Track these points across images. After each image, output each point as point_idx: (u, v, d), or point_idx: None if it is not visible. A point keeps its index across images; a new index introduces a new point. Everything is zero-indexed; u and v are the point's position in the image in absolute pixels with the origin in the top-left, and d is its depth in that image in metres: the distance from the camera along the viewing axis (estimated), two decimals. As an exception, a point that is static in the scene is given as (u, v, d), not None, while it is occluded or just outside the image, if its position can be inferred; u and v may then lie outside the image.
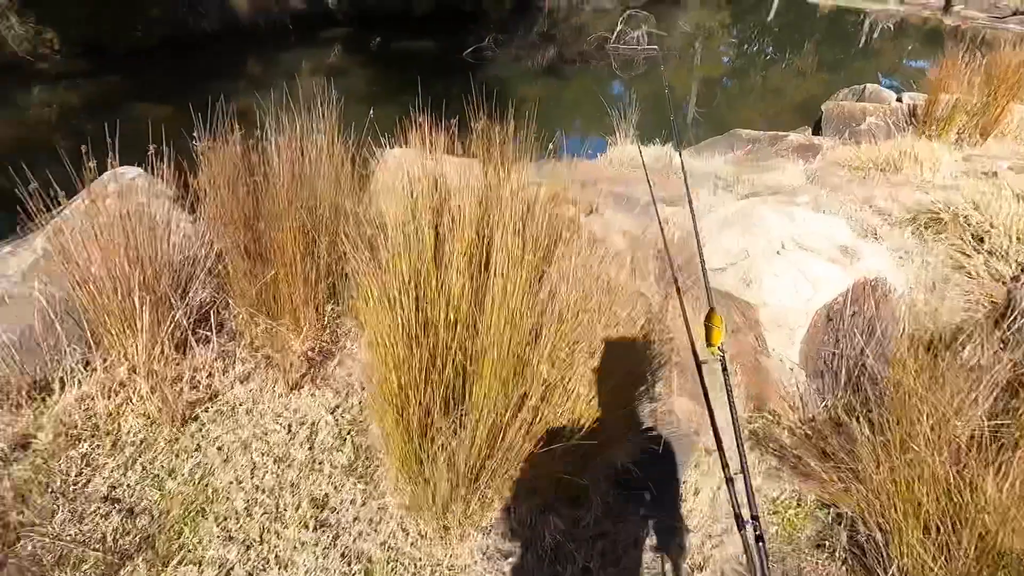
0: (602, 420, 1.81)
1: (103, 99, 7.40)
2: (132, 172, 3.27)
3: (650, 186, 2.66)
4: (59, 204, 2.38)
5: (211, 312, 2.20)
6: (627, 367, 2.09)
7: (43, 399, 2.03)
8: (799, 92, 11.66)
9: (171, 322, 2.09)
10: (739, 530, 1.02)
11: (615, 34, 12.13)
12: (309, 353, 2.21)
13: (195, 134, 2.17)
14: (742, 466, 1.08)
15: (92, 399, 1.93)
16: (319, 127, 2.47)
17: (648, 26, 12.50)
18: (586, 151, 5.85)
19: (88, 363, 2.15)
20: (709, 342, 1.30)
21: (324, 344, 2.27)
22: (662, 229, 2.41)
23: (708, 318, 1.31)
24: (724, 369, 1.26)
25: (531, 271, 1.79)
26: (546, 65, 11.29)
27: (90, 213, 2.63)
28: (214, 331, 2.21)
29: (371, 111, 2.65)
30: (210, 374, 2.08)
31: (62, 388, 2.05)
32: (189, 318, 2.16)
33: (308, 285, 2.18)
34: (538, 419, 1.63)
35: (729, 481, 1.13)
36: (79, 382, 2.07)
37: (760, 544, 0.97)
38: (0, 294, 2.40)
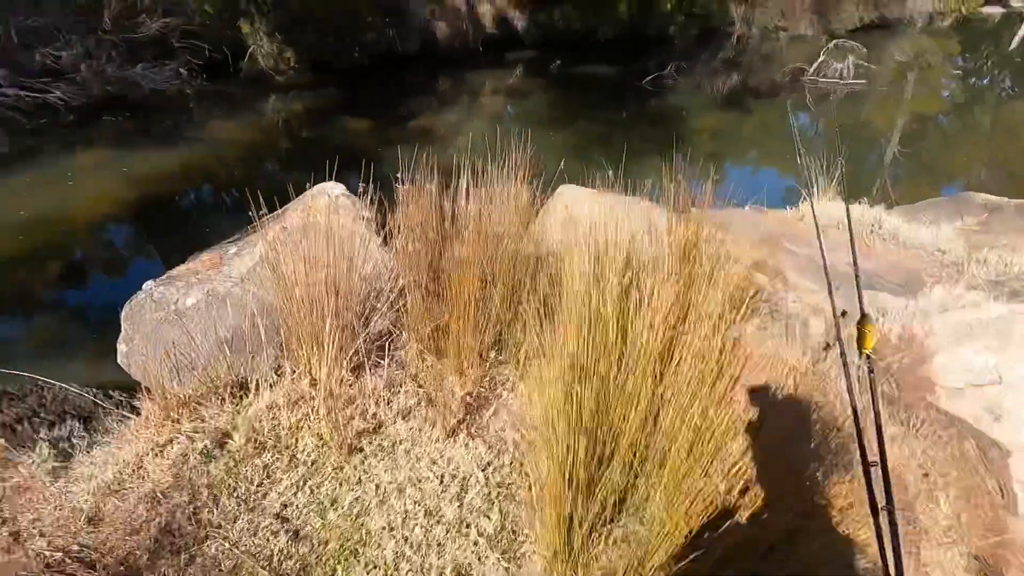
0: (782, 553, 1.53)
1: (320, 110, 8.49)
2: (338, 189, 3.61)
3: (823, 260, 2.25)
4: (278, 207, 2.70)
5: (386, 343, 2.31)
6: (817, 499, 1.77)
7: (241, 397, 2.27)
8: (1046, 139, 9.58)
9: (353, 349, 2.22)
10: (872, 517, 0.99)
11: (815, 65, 11.05)
12: (467, 398, 2.22)
13: (399, 176, 2.29)
14: (880, 455, 1.04)
15: (279, 409, 2.11)
16: (506, 173, 2.49)
17: (855, 57, 11.19)
18: (771, 196, 5.32)
19: (279, 368, 2.38)
20: (861, 347, 1.29)
21: (483, 391, 2.27)
22: (837, 324, 2.01)
23: (860, 323, 1.30)
24: (871, 371, 1.24)
25: (721, 370, 1.58)
26: (730, 96, 10.64)
27: (302, 228, 2.91)
28: (386, 361, 2.31)
29: (560, 164, 2.60)
30: (376, 402, 2.18)
31: (256, 391, 2.28)
32: (367, 345, 2.29)
33: (477, 331, 2.19)
34: (715, 540, 1.42)
35: (866, 468, 1.04)
36: (271, 386, 2.30)
37: (893, 527, 0.95)
38: (224, 294, 2.77)
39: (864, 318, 1.32)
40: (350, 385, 2.24)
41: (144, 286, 2.89)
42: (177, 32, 8.17)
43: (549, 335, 1.73)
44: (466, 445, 2.05)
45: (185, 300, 2.72)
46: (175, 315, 2.67)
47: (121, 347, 2.67)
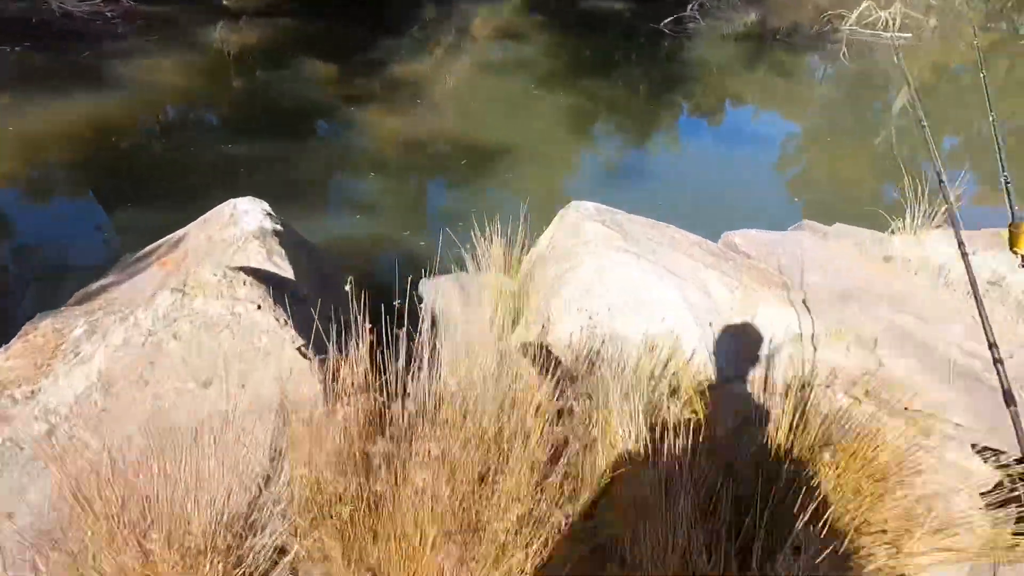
0: None
1: (275, 46, 7.06)
2: (252, 218, 2.51)
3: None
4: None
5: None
6: None
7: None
8: None
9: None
10: None
11: (856, 13, 9.56)
12: None
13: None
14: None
15: None
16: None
17: (904, 6, 9.70)
18: (827, 203, 4.31)
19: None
20: (1013, 246, 1.30)
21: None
22: None
23: (1015, 224, 1.30)
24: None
25: None
26: (759, 48, 9.20)
27: (160, 344, 1.89)
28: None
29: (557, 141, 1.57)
30: None
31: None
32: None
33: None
34: None
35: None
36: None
37: None
38: (47, 431, 1.74)
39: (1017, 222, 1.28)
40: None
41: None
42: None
43: None
44: None
45: (-28, 442, 1.69)
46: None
47: None
